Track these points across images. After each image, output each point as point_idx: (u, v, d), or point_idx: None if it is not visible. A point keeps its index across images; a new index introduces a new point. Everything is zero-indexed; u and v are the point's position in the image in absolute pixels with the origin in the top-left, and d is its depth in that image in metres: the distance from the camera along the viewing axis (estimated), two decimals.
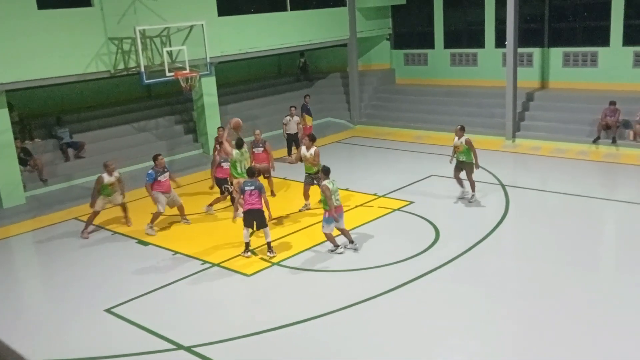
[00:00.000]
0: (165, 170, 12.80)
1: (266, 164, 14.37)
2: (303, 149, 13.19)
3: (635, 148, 16.49)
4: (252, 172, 11.39)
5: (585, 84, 19.29)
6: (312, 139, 13.12)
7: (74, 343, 8.70)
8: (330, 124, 22.18)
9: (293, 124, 17.65)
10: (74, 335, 8.94)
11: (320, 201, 11.27)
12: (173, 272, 10.73)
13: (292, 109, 17.85)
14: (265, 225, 11.08)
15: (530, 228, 11.93)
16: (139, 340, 8.62)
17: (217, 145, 14.40)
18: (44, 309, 10.04)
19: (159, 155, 12.85)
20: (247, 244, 11.20)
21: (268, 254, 11.07)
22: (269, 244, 11.13)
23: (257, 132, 14.85)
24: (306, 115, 18.75)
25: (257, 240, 11.76)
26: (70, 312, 9.62)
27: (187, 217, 13.27)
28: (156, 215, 12.59)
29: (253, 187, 10.99)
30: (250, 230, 11.16)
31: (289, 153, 17.78)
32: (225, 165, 13.33)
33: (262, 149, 14.49)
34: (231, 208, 12.87)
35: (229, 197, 13.63)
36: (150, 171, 12.59)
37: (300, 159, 13.34)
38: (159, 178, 12.54)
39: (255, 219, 10.95)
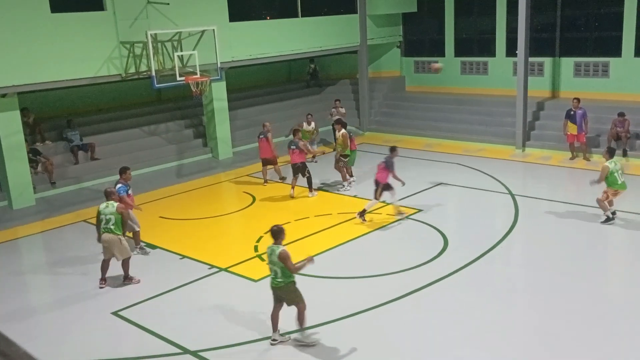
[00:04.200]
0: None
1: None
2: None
3: None
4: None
5: (597, 94, 19.18)
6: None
7: (82, 345, 8.71)
8: None
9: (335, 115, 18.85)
10: (81, 337, 8.95)
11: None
12: (180, 276, 10.73)
13: (337, 102, 19.75)
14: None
15: (539, 238, 11.85)
16: (146, 343, 8.62)
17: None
18: (52, 310, 10.05)
19: (128, 168, 11.92)
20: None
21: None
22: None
23: (267, 123, 16.31)
24: None
25: (263, 246, 11.78)
26: (78, 314, 9.64)
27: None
28: (137, 234, 11.81)
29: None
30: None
31: (334, 137, 17.60)
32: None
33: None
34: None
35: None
36: (120, 185, 11.46)
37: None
38: (129, 192, 11.69)
39: None
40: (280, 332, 8.39)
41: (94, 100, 19.92)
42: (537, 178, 16.17)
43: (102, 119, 19.17)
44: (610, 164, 12.10)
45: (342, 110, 19.56)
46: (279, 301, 8.27)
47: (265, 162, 16.08)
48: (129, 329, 9.08)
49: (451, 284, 9.97)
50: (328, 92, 24.56)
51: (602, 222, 12.18)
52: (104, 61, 15.60)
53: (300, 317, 8.20)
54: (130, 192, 11.78)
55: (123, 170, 11.82)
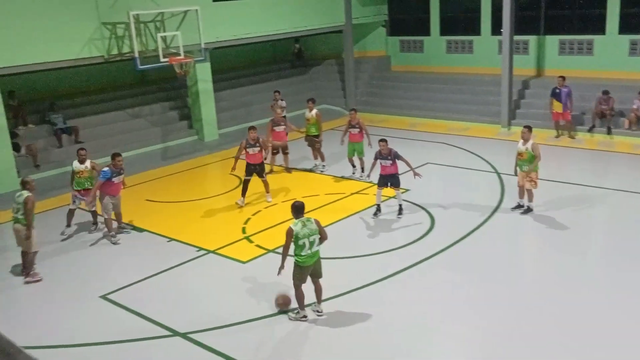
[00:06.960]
0: (122, 172, 11.69)
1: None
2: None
3: (629, 137, 16.50)
4: None
5: (581, 72, 19.24)
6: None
7: (70, 330, 8.68)
8: (326, 111, 22.10)
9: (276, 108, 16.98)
10: (69, 322, 8.92)
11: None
12: (168, 259, 10.70)
13: (277, 93, 17.99)
14: None
15: (525, 216, 11.94)
16: (135, 326, 8.62)
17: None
18: (39, 296, 9.97)
19: (119, 155, 11.64)
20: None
21: None
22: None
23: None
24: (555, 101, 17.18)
25: (251, 228, 11.78)
26: (65, 299, 9.59)
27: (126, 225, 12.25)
28: (109, 222, 11.68)
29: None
30: None
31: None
32: (251, 151, 12.91)
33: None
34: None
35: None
36: (106, 169, 11.44)
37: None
38: (113, 179, 11.47)
39: None
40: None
41: (77, 83, 19.63)
42: None
43: (85, 102, 18.94)
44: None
45: (283, 103, 17.79)
46: (306, 277, 8.40)
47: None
48: (118, 312, 9.06)
49: (438, 262, 10.04)
50: (313, 73, 24.45)
51: (522, 212, 11.76)
52: (85, 42, 15.38)
53: (320, 292, 8.54)
54: (115, 179, 11.46)
55: (113, 157, 11.58)
